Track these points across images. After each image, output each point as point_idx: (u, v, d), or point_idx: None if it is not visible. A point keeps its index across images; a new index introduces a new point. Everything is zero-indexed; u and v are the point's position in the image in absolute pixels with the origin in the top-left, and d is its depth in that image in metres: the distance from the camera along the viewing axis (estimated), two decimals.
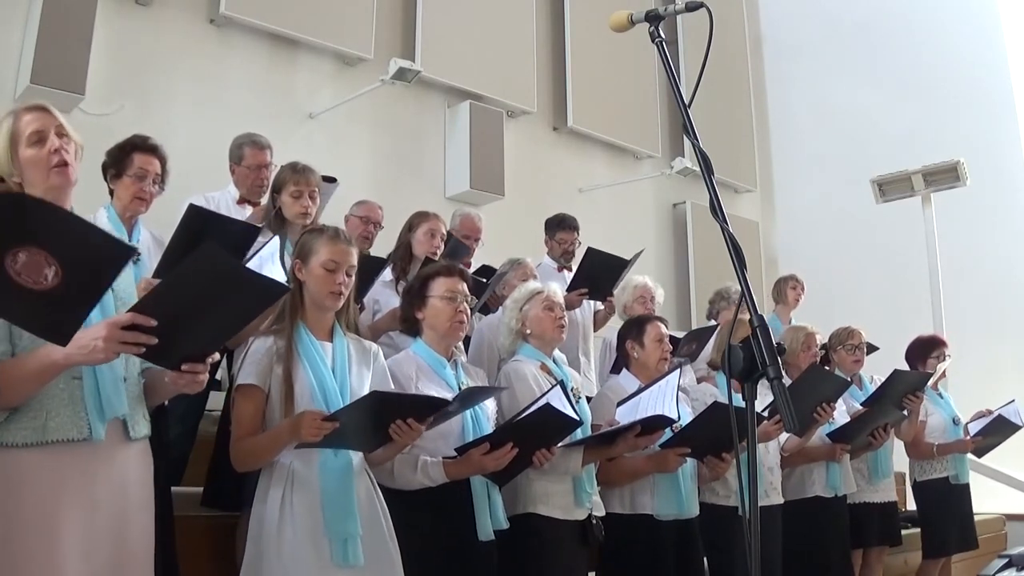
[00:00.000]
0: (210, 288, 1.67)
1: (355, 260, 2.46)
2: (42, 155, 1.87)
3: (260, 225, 3.18)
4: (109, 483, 1.83)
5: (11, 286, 1.53)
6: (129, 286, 1.96)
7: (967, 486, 4.68)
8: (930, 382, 4.53)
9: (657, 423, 3.03)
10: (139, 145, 2.95)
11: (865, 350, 4.48)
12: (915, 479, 4.70)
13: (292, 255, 2.52)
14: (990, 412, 4.81)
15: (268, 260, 2.88)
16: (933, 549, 4.61)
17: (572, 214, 5.12)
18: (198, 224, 2.90)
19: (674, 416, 3.04)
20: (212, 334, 1.79)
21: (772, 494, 3.69)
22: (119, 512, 1.84)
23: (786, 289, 5.74)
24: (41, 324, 1.63)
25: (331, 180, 3.71)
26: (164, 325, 1.65)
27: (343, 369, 2.38)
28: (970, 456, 4.78)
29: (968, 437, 4.69)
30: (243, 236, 3.03)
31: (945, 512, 4.58)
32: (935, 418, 4.65)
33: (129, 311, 1.67)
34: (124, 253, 1.66)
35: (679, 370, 3.25)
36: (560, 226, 4.99)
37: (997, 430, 4.73)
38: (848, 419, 4.11)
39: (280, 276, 2.09)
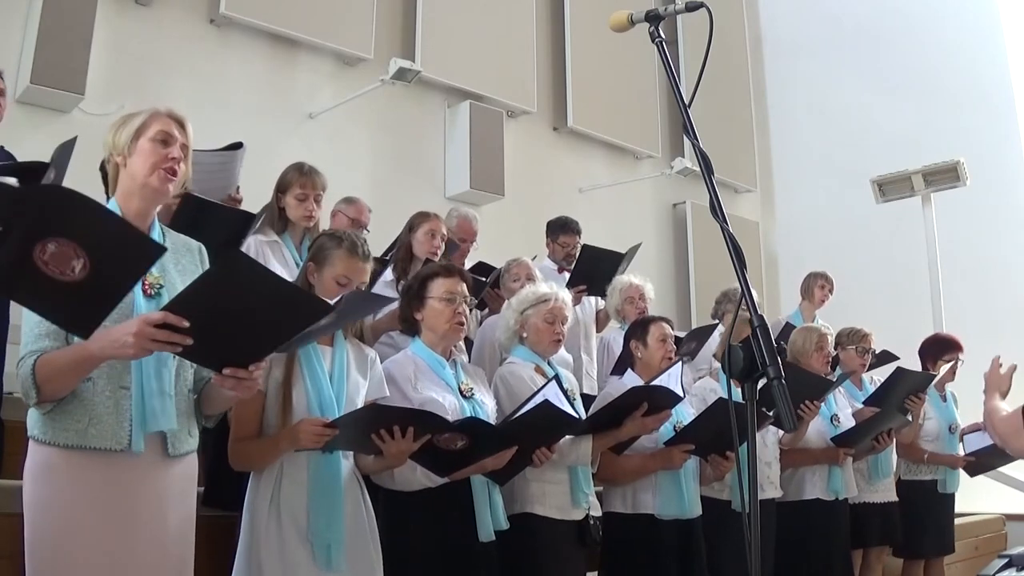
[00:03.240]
0: (244, 294, 1.64)
1: (367, 276, 2.48)
2: (159, 153, 1.89)
3: (255, 212, 3.16)
4: (148, 497, 1.83)
5: (38, 275, 1.53)
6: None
7: (952, 495, 4.59)
8: (933, 382, 4.48)
9: (662, 399, 3.02)
10: None
11: (873, 354, 4.46)
12: (900, 476, 4.59)
13: (307, 255, 2.52)
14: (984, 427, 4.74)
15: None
16: (907, 550, 4.52)
17: (572, 214, 5.11)
18: (192, 212, 2.88)
19: (680, 393, 3.03)
20: (255, 341, 1.75)
21: (768, 488, 3.70)
22: (159, 526, 1.84)
23: (814, 287, 5.73)
24: (64, 316, 1.64)
25: (237, 146, 3.40)
26: (200, 326, 1.63)
27: (341, 377, 2.38)
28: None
29: (963, 453, 4.59)
30: (239, 223, 3.01)
31: (924, 515, 4.48)
32: (931, 423, 4.56)
33: (161, 309, 1.66)
34: (154, 252, 1.65)
35: (681, 362, 3.25)
36: (563, 229, 4.95)
37: (993, 455, 4.58)
38: (852, 421, 4.11)
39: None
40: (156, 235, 1.94)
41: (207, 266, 2.04)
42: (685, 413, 3.38)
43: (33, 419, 1.80)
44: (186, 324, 1.61)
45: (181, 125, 1.95)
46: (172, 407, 1.83)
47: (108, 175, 1.98)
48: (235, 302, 1.64)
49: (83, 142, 2.79)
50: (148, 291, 1.84)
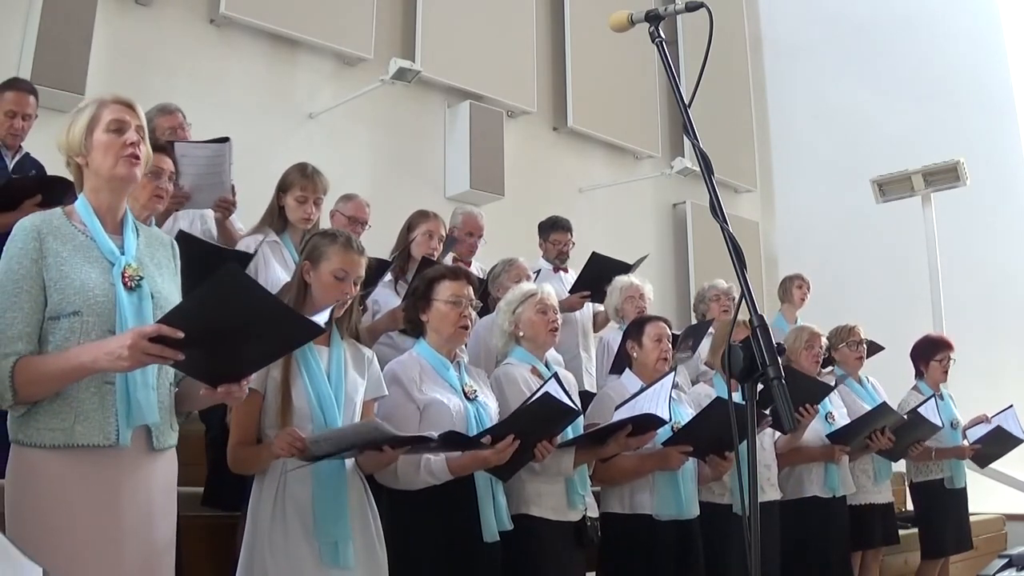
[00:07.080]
0: (238, 310, 1.67)
1: (363, 271, 2.46)
2: (117, 143, 1.87)
3: (252, 252, 3.14)
4: (134, 490, 1.82)
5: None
6: (171, 293, 1.95)
7: (963, 489, 4.65)
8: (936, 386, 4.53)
9: (648, 423, 3.03)
10: (152, 144, 2.94)
11: (866, 346, 4.49)
12: (911, 480, 4.68)
13: (301, 255, 2.51)
14: (988, 418, 4.76)
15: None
16: (930, 550, 4.60)
17: (572, 214, 5.12)
18: (186, 250, 2.87)
19: (665, 416, 3.04)
20: (247, 356, 1.79)
21: (769, 490, 3.70)
22: (144, 519, 1.84)
23: (792, 288, 5.79)
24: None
25: (223, 140, 3.37)
26: (194, 340, 1.64)
27: (339, 376, 2.37)
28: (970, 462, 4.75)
29: (967, 444, 4.65)
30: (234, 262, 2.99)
31: (940, 514, 4.57)
32: None
33: (157, 322, 1.67)
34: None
35: (674, 372, 3.25)
36: (553, 228, 4.99)
37: (997, 441, 4.68)
38: (847, 418, 4.12)
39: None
40: (129, 229, 1.94)
41: (178, 261, 2.06)
42: (683, 413, 3.38)
43: (15, 422, 1.79)
44: (181, 335, 1.63)
45: (131, 108, 1.93)
46: (155, 400, 1.84)
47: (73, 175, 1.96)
48: (229, 317, 1.66)
49: None
50: (128, 284, 1.84)
